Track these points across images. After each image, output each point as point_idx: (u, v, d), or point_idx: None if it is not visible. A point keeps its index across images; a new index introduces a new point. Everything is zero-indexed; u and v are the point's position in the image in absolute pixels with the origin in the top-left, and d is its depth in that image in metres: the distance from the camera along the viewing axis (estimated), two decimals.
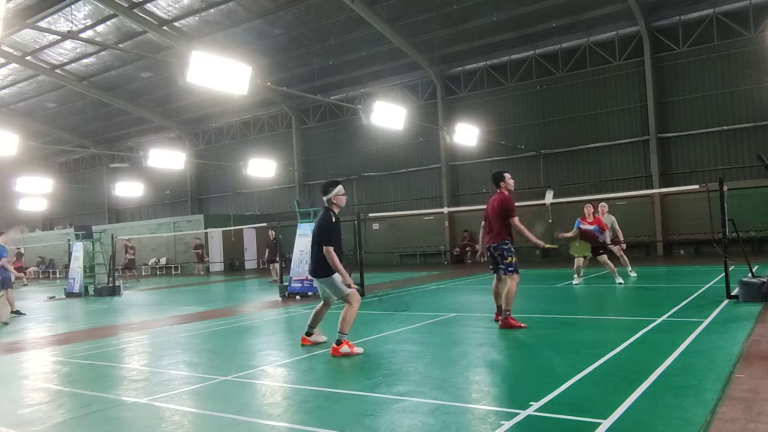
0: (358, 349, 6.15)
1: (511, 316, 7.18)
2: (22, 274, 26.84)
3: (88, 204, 41.20)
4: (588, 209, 12.35)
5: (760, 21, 20.25)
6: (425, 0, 21.82)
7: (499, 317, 7.38)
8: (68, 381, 5.82)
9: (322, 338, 6.84)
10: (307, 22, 23.26)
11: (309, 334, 6.82)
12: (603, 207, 12.76)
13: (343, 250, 6.49)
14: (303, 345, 6.75)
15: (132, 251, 25.29)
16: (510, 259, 7.30)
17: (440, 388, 4.62)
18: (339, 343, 6.09)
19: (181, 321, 10.05)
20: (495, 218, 7.40)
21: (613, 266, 12.02)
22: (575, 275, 12.47)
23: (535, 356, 5.66)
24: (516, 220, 7.28)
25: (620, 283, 11.61)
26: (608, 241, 12.51)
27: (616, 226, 12.70)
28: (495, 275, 7.61)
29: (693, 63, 21.61)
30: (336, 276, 6.26)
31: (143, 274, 31.63)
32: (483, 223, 7.76)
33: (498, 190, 7.59)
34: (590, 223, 12.18)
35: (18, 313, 12.41)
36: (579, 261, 12.26)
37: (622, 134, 22.93)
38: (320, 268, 6.31)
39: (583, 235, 12.13)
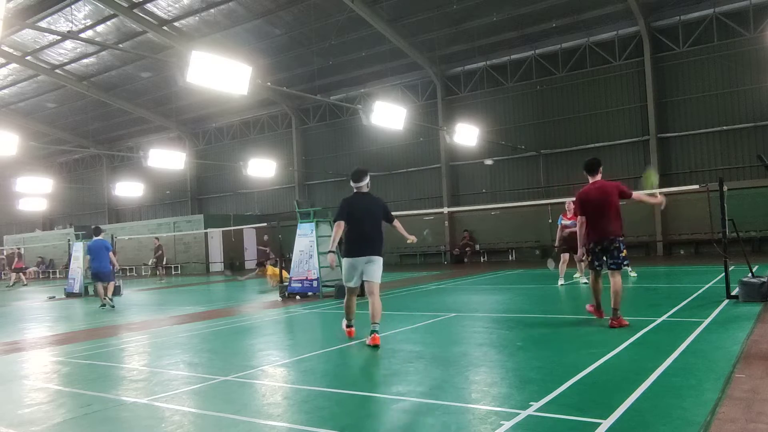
0: None
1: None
2: (22, 274, 26.84)
3: (88, 204, 41.20)
4: (569, 205, 12.30)
5: (760, 21, 20.25)
6: (425, 0, 21.83)
7: (612, 319, 6.75)
8: (68, 381, 5.81)
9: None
10: (307, 22, 23.26)
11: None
12: None
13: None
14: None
15: (159, 250, 25.13)
16: (625, 251, 6.89)
17: (440, 388, 4.61)
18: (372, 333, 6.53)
19: (181, 321, 10.05)
20: (608, 207, 6.76)
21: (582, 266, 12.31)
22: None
23: (535, 356, 5.66)
24: (635, 194, 6.99)
25: (585, 283, 11.84)
26: None
27: None
28: (592, 272, 7.15)
29: (693, 63, 21.61)
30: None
31: (143, 274, 31.67)
32: (580, 219, 7.01)
33: (592, 179, 6.99)
34: (570, 218, 12.14)
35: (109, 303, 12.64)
36: (565, 257, 12.27)
37: (622, 134, 22.93)
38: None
39: (566, 234, 12.14)
